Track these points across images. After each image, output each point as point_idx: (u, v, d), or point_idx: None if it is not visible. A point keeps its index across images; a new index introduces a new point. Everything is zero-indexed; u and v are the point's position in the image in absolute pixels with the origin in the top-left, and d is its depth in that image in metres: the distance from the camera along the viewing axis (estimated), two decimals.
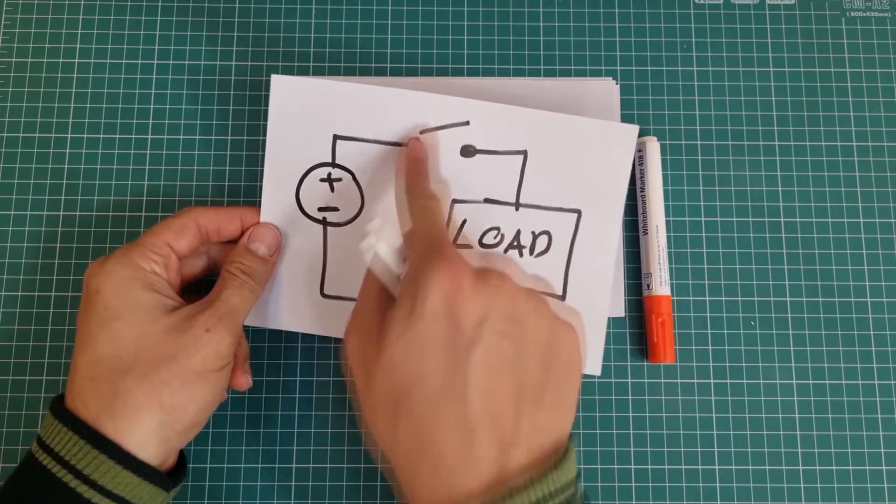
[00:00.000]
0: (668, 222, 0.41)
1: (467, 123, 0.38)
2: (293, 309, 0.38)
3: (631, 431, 0.39)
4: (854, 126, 0.42)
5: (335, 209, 0.38)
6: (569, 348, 0.30)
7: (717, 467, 0.38)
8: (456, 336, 0.28)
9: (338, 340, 0.39)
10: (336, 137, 0.38)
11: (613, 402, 0.39)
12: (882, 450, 0.39)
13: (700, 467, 0.38)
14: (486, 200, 0.38)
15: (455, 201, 0.39)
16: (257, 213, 0.38)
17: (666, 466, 0.38)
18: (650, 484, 0.38)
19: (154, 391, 0.31)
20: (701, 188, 0.41)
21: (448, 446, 0.27)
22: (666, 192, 0.41)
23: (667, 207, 0.41)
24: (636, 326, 0.40)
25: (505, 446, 0.27)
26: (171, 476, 0.34)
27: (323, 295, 0.39)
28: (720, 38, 0.43)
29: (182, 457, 0.36)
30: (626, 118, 0.42)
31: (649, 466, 0.38)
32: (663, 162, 0.41)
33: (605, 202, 0.38)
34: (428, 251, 0.30)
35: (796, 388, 0.39)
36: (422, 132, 0.38)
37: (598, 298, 0.38)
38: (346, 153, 0.38)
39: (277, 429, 0.39)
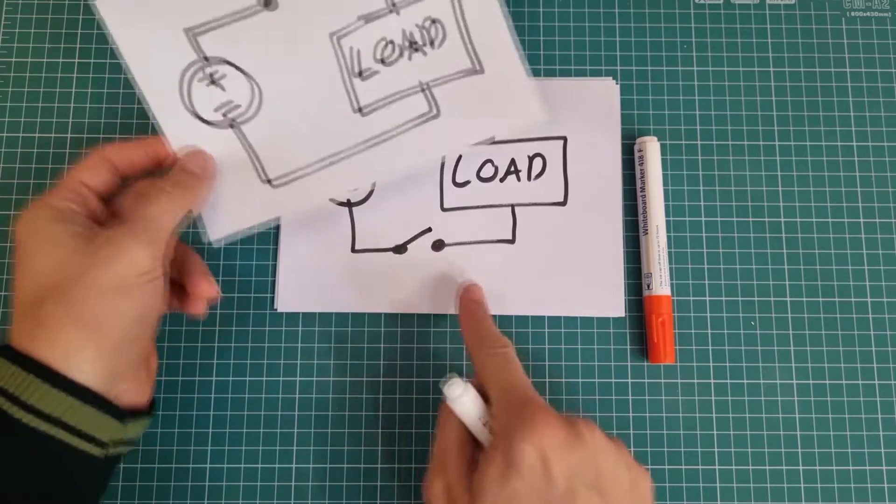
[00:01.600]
0: (668, 222, 0.41)
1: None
2: (241, 205, 0.37)
3: (631, 431, 0.39)
4: (854, 126, 0.42)
5: (237, 106, 0.37)
6: (646, 494, 0.31)
7: (717, 467, 0.38)
8: (550, 492, 0.29)
9: (340, 327, 0.40)
10: (188, 31, 0.36)
11: (613, 402, 0.39)
12: (882, 450, 0.39)
13: (700, 467, 0.38)
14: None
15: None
16: (161, 140, 0.37)
17: (666, 466, 0.38)
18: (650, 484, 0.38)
19: (72, 309, 0.30)
20: (701, 188, 0.41)
21: None
22: (666, 192, 0.41)
23: (667, 207, 0.41)
24: (636, 326, 0.40)
25: None
26: (136, 415, 0.33)
27: (271, 184, 0.37)
28: (720, 38, 0.43)
29: (153, 402, 0.35)
30: (626, 118, 0.42)
31: (649, 466, 0.38)
32: (663, 162, 0.41)
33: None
34: (516, 405, 0.31)
35: (796, 388, 0.39)
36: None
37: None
38: (211, 43, 0.36)
39: (277, 429, 0.39)
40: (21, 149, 0.41)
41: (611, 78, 0.42)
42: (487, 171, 0.41)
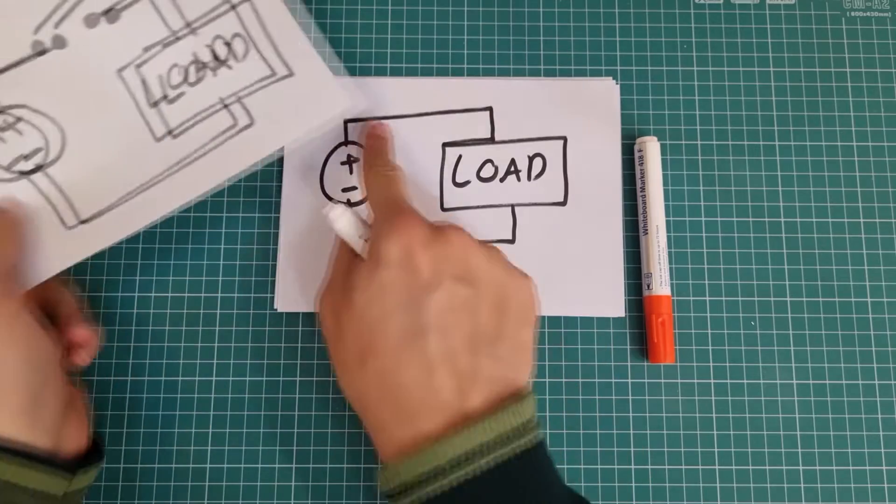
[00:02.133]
0: (668, 222, 0.41)
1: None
2: (49, 250, 0.36)
3: (631, 431, 0.39)
4: (854, 126, 0.42)
5: (39, 149, 0.36)
6: (523, 296, 0.32)
7: (717, 467, 0.38)
8: (415, 281, 0.30)
9: None
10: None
11: (613, 402, 0.39)
12: (882, 450, 0.39)
13: (700, 467, 0.38)
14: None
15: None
16: None
17: (666, 466, 0.38)
18: (650, 484, 0.38)
19: None
20: (701, 188, 0.41)
21: (410, 386, 0.30)
22: (666, 192, 0.41)
23: (667, 207, 0.41)
24: (636, 326, 0.40)
25: (463, 384, 0.30)
26: (84, 465, 0.33)
27: (85, 223, 0.37)
28: (720, 38, 0.43)
29: (98, 448, 0.35)
30: (626, 118, 0.42)
31: (649, 466, 0.38)
32: (663, 162, 0.41)
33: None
34: (389, 211, 0.33)
35: (796, 388, 0.39)
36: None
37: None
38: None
39: (277, 429, 0.39)
40: None
41: (611, 78, 0.42)
42: (487, 171, 0.41)
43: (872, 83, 0.43)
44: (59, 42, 0.35)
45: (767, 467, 0.38)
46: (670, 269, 0.40)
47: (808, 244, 0.41)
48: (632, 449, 0.39)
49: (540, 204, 0.41)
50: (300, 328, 0.40)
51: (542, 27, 0.43)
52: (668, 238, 0.41)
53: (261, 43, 0.37)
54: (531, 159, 0.41)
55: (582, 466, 0.38)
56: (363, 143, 0.40)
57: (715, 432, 0.39)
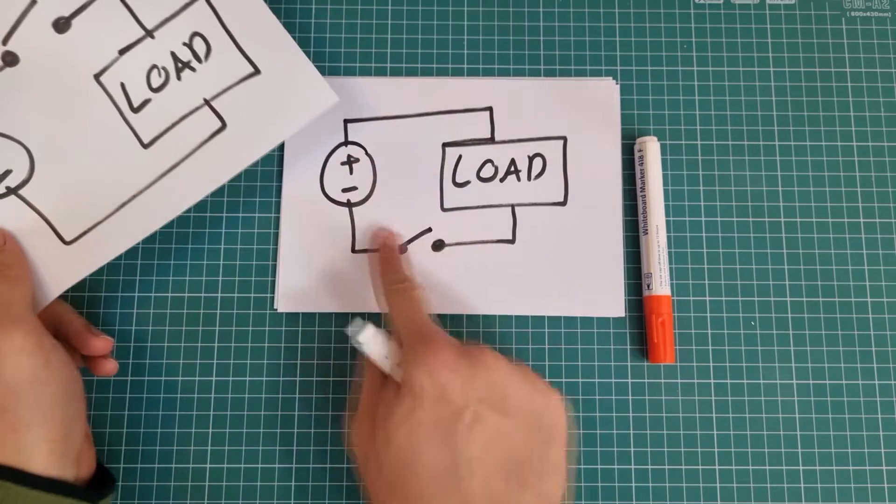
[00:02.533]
0: (668, 222, 0.41)
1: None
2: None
3: (631, 431, 0.39)
4: (854, 126, 0.42)
5: (8, 171, 0.35)
6: (557, 417, 0.31)
7: (717, 467, 0.38)
8: (458, 417, 0.29)
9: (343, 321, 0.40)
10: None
11: (613, 402, 0.39)
12: (882, 450, 0.39)
13: (700, 467, 0.38)
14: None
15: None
16: None
17: (666, 466, 0.38)
18: (650, 484, 0.38)
19: (7, 417, 0.31)
20: (701, 188, 0.41)
21: None
22: (666, 192, 0.41)
23: (667, 207, 0.41)
24: (636, 326, 0.40)
25: None
26: (94, 487, 0.34)
27: (70, 244, 0.36)
28: (720, 38, 0.43)
29: (105, 469, 0.36)
30: (626, 118, 0.42)
31: (649, 466, 0.38)
32: (663, 162, 0.41)
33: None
34: (416, 337, 0.32)
35: (796, 388, 0.39)
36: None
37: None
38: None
39: (277, 429, 0.39)
40: None
41: (611, 78, 0.42)
42: (487, 171, 0.41)
43: (872, 83, 0.43)
44: (11, 58, 0.34)
45: (767, 467, 0.38)
46: (670, 269, 0.40)
47: (808, 244, 0.41)
48: (632, 449, 0.39)
49: (540, 204, 0.41)
50: (300, 328, 0.40)
51: (542, 27, 0.43)
52: (668, 238, 0.41)
53: (222, 39, 0.36)
54: (531, 159, 0.41)
55: (582, 466, 0.38)
56: (375, 248, 0.40)
57: (715, 432, 0.39)
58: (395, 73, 0.42)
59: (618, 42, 0.43)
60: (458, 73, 0.42)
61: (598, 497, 0.38)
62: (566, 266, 0.40)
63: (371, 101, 0.42)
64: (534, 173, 0.41)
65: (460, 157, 0.41)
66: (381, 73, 0.42)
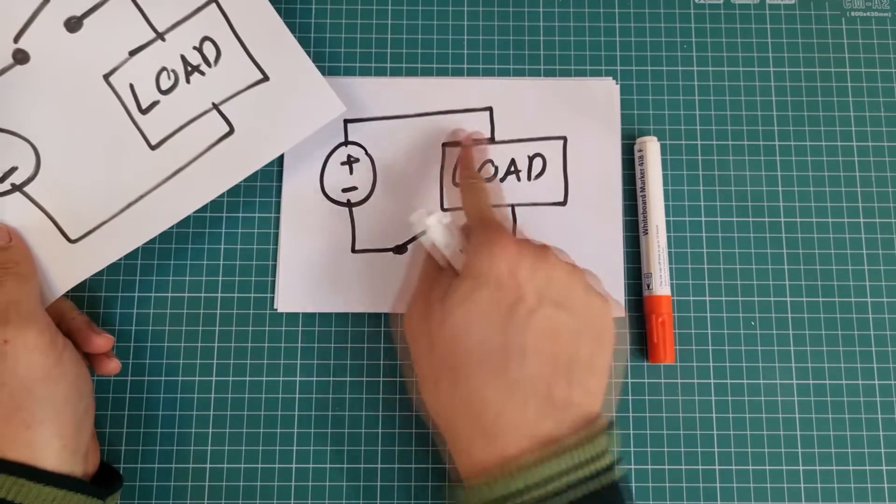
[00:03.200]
0: (668, 222, 0.41)
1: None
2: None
3: (631, 431, 0.39)
4: (854, 126, 0.42)
5: (15, 168, 0.36)
6: (609, 323, 0.32)
7: (717, 467, 0.38)
8: (516, 302, 0.30)
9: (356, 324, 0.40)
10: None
11: (613, 402, 0.39)
12: (882, 450, 0.39)
13: (700, 467, 0.38)
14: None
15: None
16: None
17: (666, 466, 0.38)
18: (650, 484, 0.38)
19: (22, 415, 0.31)
20: (701, 188, 0.41)
21: (504, 407, 0.29)
22: (666, 192, 0.41)
23: (667, 207, 0.41)
24: (636, 326, 0.40)
25: (557, 412, 0.29)
26: (110, 489, 0.34)
27: (75, 243, 0.36)
28: (720, 38, 0.43)
29: (109, 466, 0.36)
30: (626, 118, 0.42)
31: (649, 466, 0.38)
32: (663, 162, 0.41)
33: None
34: (488, 226, 0.32)
35: (796, 388, 0.39)
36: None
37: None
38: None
39: (277, 429, 0.39)
40: None
41: (611, 78, 0.42)
42: (487, 172, 0.41)
43: (872, 83, 0.43)
44: (21, 56, 0.34)
45: (767, 467, 0.38)
46: (670, 269, 0.40)
47: (808, 244, 0.41)
48: (632, 449, 0.39)
49: (540, 204, 0.41)
50: (300, 328, 0.40)
51: (541, 27, 0.43)
52: (668, 238, 0.41)
53: (232, 45, 0.36)
54: (531, 159, 0.41)
55: None
56: (453, 141, 0.41)
57: (715, 432, 0.39)
58: (395, 73, 0.42)
59: (618, 42, 0.43)
60: (458, 73, 0.42)
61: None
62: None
63: (371, 100, 0.42)
64: (534, 173, 0.41)
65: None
66: (381, 73, 0.42)
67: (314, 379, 0.39)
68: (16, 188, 0.35)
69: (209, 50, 0.36)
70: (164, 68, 0.36)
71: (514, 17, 0.43)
